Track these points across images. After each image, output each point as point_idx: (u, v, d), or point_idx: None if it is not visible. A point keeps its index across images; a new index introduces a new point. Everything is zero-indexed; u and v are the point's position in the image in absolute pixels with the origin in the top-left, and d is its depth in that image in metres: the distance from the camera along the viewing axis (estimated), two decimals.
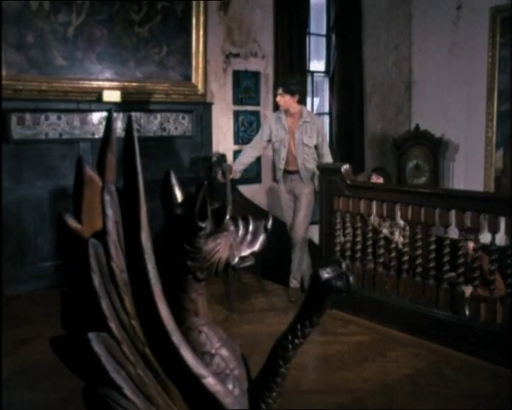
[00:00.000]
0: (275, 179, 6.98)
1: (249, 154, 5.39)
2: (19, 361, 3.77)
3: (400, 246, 4.79)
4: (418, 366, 3.79)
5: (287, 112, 5.22)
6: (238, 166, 5.30)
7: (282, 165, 5.24)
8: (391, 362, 3.85)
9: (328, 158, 5.23)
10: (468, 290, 4.18)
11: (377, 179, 5.80)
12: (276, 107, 6.87)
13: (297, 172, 5.18)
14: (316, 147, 5.19)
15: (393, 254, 4.49)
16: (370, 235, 4.67)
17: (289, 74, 6.43)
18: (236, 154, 6.61)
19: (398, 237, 5.05)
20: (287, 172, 5.24)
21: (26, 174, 5.23)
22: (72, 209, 1.55)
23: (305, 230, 5.23)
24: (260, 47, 6.79)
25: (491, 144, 7.24)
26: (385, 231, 4.83)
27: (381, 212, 4.50)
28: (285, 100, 5.14)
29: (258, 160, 6.86)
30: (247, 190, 6.51)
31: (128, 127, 1.47)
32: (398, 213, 4.46)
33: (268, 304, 5.12)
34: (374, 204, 4.55)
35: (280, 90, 5.16)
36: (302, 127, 5.17)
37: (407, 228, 4.92)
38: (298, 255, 5.23)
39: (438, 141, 7.67)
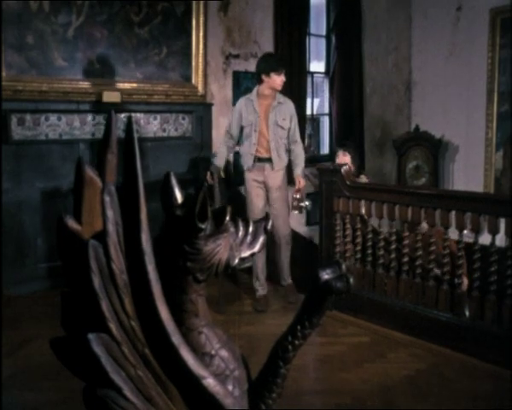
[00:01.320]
0: None
1: (224, 152, 5.13)
2: (19, 362, 3.77)
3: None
4: (418, 367, 3.79)
5: (260, 95, 4.95)
6: (219, 168, 5.10)
7: (253, 150, 4.95)
8: (391, 363, 3.85)
9: (299, 147, 5.09)
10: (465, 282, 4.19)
11: (344, 157, 5.31)
12: None
13: (269, 159, 4.94)
14: (288, 131, 4.98)
15: (393, 255, 4.49)
16: (370, 236, 4.67)
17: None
18: (236, 155, 6.62)
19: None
20: (258, 159, 4.96)
21: (26, 175, 5.22)
22: (72, 210, 1.55)
23: (288, 223, 5.10)
24: (260, 48, 6.78)
25: (490, 145, 7.25)
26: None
27: (380, 213, 4.50)
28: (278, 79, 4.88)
29: None
30: None
31: (128, 128, 1.47)
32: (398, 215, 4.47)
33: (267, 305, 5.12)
34: (373, 205, 4.55)
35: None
36: (276, 109, 4.93)
37: None
38: (286, 254, 5.10)
39: (438, 142, 7.68)
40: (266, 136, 4.94)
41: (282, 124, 4.95)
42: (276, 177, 4.99)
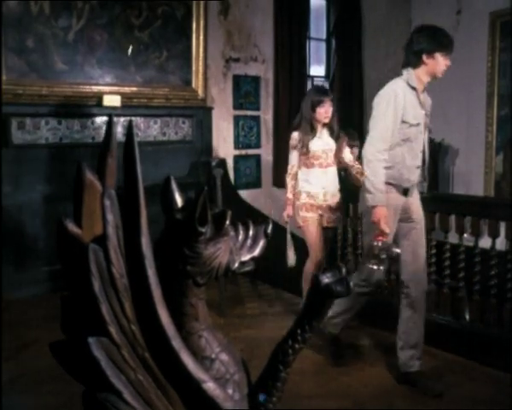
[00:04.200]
0: (276, 184, 6.99)
1: (381, 173, 3.41)
2: (18, 365, 3.77)
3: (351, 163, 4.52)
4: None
5: (422, 82, 3.59)
6: (382, 193, 3.39)
7: (419, 160, 3.56)
8: (391, 367, 3.84)
9: None
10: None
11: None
12: (277, 111, 6.93)
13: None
14: None
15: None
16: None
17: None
18: (237, 159, 6.63)
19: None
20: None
21: (26, 179, 5.23)
22: (72, 214, 1.55)
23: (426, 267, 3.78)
24: (260, 51, 6.80)
25: (491, 149, 7.25)
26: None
27: None
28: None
29: (259, 164, 6.88)
30: (247, 194, 6.52)
31: (128, 132, 1.47)
32: None
33: (267, 308, 5.12)
34: None
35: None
36: (426, 104, 3.68)
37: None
38: (416, 314, 3.60)
39: (438, 145, 7.67)
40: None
41: (430, 126, 3.83)
42: (418, 201, 3.70)
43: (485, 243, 4.08)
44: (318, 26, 7.67)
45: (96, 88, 5.55)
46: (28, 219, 5.28)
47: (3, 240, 4.94)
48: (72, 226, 1.52)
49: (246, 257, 1.68)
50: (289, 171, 4.54)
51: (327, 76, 7.76)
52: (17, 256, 5.22)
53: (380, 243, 3.29)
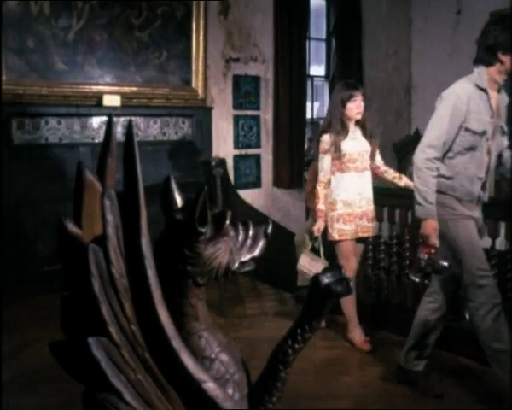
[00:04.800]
0: (276, 183, 6.98)
1: (432, 183, 3.17)
2: (18, 365, 3.77)
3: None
4: None
5: (496, 82, 3.19)
6: (432, 205, 3.15)
7: (482, 172, 3.23)
8: (391, 367, 3.84)
9: None
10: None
11: (361, 102, 4.13)
12: (277, 111, 6.93)
13: (484, 185, 3.30)
14: None
15: (394, 259, 4.49)
16: (370, 240, 4.66)
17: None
18: (237, 158, 6.63)
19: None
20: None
21: (26, 179, 5.23)
22: (72, 214, 1.55)
23: None
24: (260, 51, 6.80)
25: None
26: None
27: (380, 216, 4.50)
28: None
29: (259, 164, 6.88)
30: (246, 194, 6.52)
31: (128, 132, 1.47)
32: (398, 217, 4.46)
33: (267, 308, 5.12)
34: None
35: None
36: (502, 105, 3.34)
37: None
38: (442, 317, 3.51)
39: None
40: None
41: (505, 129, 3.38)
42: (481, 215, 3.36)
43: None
44: (318, 26, 7.67)
45: (95, 88, 5.56)
46: (28, 219, 5.27)
47: (3, 240, 4.94)
48: (72, 226, 1.52)
49: (246, 257, 1.68)
50: (321, 179, 4.12)
51: (327, 76, 7.76)
52: (17, 256, 5.22)
53: (426, 256, 3.18)
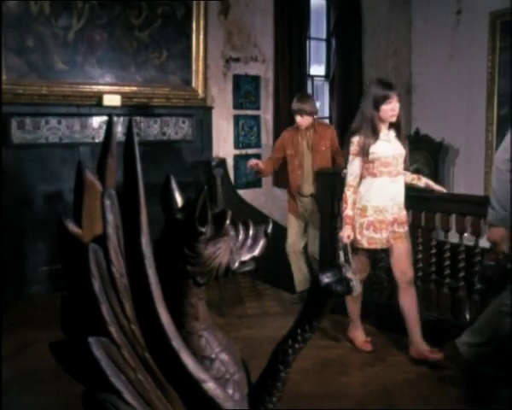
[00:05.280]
0: (276, 183, 6.95)
1: None
2: (18, 365, 3.77)
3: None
4: (418, 370, 3.78)
5: None
6: (506, 211, 3.11)
7: None
8: (391, 367, 3.84)
9: None
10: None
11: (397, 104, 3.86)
12: (277, 111, 6.92)
13: None
14: None
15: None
16: None
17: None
18: (237, 158, 6.63)
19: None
20: None
21: (26, 178, 5.23)
22: (72, 214, 1.55)
23: None
24: (260, 51, 6.80)
25: (491, 148, 7.24)
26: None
27: None
28: None
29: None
30: (247, 194, 6.51)
31: (128, 132, 1.47)
32: None
33: (267, 308, 5.12)
34: None
35: None
36: None
37: None
38: None
39: (438, 145, 7.67)
40: None
41: None
42: None
43: (485, 243, 4.08)
44: (318, 26, 7.66)
45: (95, 88, 5.55)
46: (28, 219, 5.27)
47: (3, 240, 4.94)
48: (72, 226, 1.52)
49: (246, 257, 1.68)
50: (350, 182, 3.86)
51: (327, 76, 7.76)
52: (17, 256, 5.22)
53: (493, 263, 3.11)
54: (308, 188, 5.06)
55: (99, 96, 5.53)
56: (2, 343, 3.51)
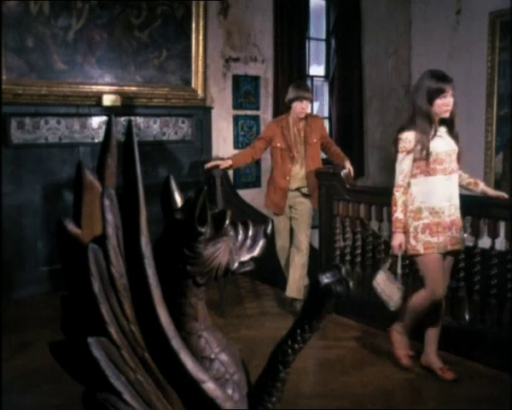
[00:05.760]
0: None
1: None
2: (18, 366, 3.77)
3: None
4: (418, 370, 3.77)
5: None
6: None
7: None
8: (391, 367, 3.84)
9: None
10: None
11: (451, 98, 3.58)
12: (277, 111, 6.92)
13: None
14: None
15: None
16: (370, 239, 4.66)
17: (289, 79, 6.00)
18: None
19: None
20: None
21: (25, 178, 5.23)
22: (71, 214, 1.55)
23: None
24: (260, 51, 6.80)
25: (490, 149, 7.24)
26: None
27: (380, 216, 4.50)
28: None
29: (259, 163, 6.88)
30: (246, 194, 6.51)
31: (128, 132, 1.47)
32: None
33: (267, 308, 5.12)
34: (373, 208, 4.55)
35: None
36: None
37: None
38: None
39: None
40: None
41: None
42: None
43: (485, 242, 4.07)
44: (318, 26, 7.67)
45: (95, 88, 5.55)
46: (28, 219, 5.27)
47: (3, 240, 4.94)
48: (72, 226, 1.52)
49: (245, 257, 1.68)
50: (400, 182, 3.58)
51: (326, 76, 7.76)
52: (17, 256, 5.22)
53: None
54: (298, 182, 4.90)
55: (99, 96, 5.53)
56: (2, 343, 3.51)
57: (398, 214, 3.56)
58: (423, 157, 3.50)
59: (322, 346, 4.17)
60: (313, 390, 3.57)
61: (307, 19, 7.26)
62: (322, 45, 7.76)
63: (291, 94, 4.86)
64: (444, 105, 3.50)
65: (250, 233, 1.70)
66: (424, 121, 3.51)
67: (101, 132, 5.39)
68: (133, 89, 5.81)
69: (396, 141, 3.63)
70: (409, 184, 3.59)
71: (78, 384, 1.53)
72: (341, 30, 7.50)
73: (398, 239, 3.57)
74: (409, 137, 3.53)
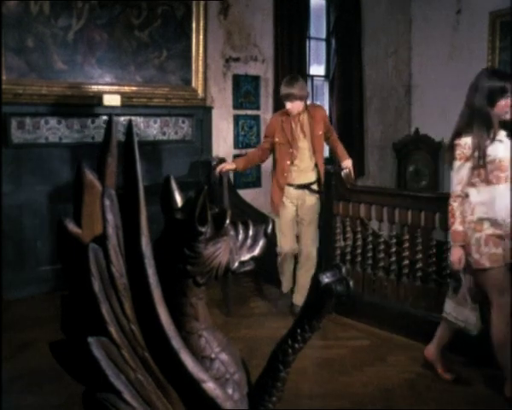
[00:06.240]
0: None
1: None
2: (19, 365, 3.77)
3: None
4: (418, 370, 3.78)
5: None
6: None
7: None
8: (391, 366, 3.84)
9: None
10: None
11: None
12: (277, 111, 6.92)
13: None
14: None
15: (393, 259, 4.48)
16: (370, 239, 4.66)
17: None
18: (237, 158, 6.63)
19: None
20: None
21: (26, 178, 5.23)
22: (72, 214, 1.55)
23: None
24: (260, 51, 6.80)
25: None
26: None
27: (380, 216, 4.50)
28: None
29: (258, 164, 6.88)
30: (247, 194, 6.51)
31: (128, 131, 1.47)
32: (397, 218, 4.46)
33: (267, 308, 5.12)
34: (373, 208, 4.55)
35: None
36: None
37: None
38: None
39: (438, 145, 7.68)
40: None
41: None
42: None
43: None
44: (318, 26, 7.67)
45: (95, 87, 5.55)
46: (28, 219, 5.27)
47: (3, 239, 4.94)
48: (72, 226, 1.52)
49: (246, 257, 1.68)
50: (458, 192, 3.30)
51: (327, 76, 7.76)
52: (17, 255, 5.22)
53: None
54: (303, 178, 4.72)
55: (99, 96, 5.53)
56: (2, 343, 3.51)
57: (457, 226, 3.29)
58: (481, 164, 3.22)
59: (323, 346, 4.17)
60: (313, 390, 3.57)
61: (307, 18, 7.26)
62: (323, 45, 7.76)
63: (281, 90, 4.70)
64: (506, 106, 3.27)
65: (250, 233, 1.70)
66: (483, 125, 3.25)
67: (102, 132, 5.39)
68: (133, 89, 5.80)
69: (452, 147, 3.34)
70: (466, 194, 3.31)
71: (78, 384, 1.53)
72: (342, 30, 7.50)
73: (457, 253, 3.29)
74: (467, 143, 3.25)
